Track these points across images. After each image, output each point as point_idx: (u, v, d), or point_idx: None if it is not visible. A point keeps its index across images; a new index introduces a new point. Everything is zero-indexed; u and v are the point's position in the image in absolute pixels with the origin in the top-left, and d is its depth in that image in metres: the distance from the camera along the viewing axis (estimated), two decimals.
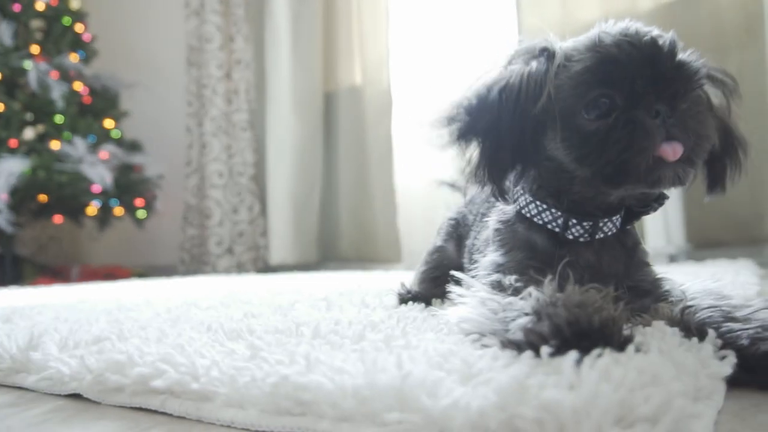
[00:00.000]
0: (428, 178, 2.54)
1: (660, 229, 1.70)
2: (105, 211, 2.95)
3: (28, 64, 2.62)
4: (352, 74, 2.82)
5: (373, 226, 2.64)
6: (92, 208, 2.81)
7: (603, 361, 0.39)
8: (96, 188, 2.69)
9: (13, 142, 2.53)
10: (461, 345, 0.52)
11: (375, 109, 2.65)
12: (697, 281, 0.63)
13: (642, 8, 2.08)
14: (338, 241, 2.83)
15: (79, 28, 2.98)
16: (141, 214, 3.00)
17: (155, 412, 0.52)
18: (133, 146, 3.06)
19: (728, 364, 0.45)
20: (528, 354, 0.42)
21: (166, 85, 3.51)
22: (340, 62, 2.88)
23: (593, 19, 2.12)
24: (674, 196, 1.96)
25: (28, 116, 2.64)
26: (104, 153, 2.77)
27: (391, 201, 2.57)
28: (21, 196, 2.55)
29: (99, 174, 2.60)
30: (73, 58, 2.88)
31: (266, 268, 2.86)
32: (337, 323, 0.69)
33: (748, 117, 1.89)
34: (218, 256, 2.98)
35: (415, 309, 0.81)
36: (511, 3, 2.38)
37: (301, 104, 2.81)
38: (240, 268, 2.98)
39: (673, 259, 1.90)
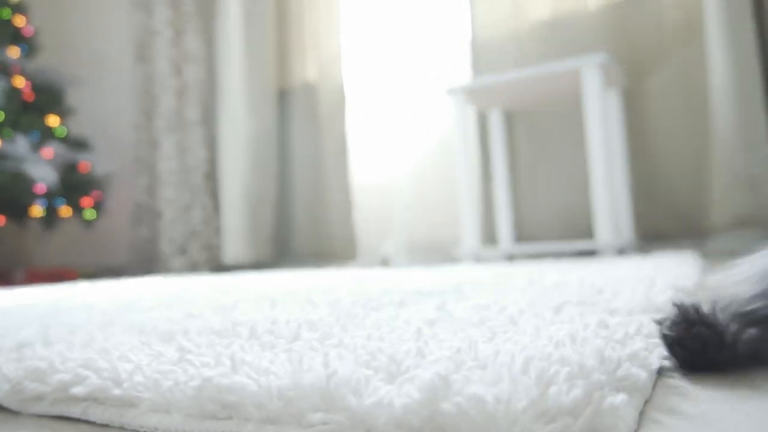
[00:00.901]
0: (383, 174, 2.54)
1: (609, 223, 1.74)
2: (50, 212, 2.85)
3: None
4: (305, 70, 2.80)
5: (329, 224, 2.62)
6: (37, 209, 2.71)
7: (525, 353, 0.39)
8: (40, 188, 2.59)
9: None
10: (393, 342, 0.51)
11: (329, 106, 2.63)
12: None
13: (590, 8, 2.12)
14: (293, 238, 2.80)
15: (19, 21, 2.86)
16: (89, 214, 2.90)
17: (78, 420, 0.50)
18: (80, 144, 2.96)
19: (656, 356, 0.45)
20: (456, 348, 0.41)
21: (114, 80, 3.41)
22: (293, 58, 2.85)
23: (544, 17, 2.16)
24: (623, 190, 2.01)
25: None
26: (48, 151, 2.67)
27: (347, 198, 2.55)
28: None
29: (43, 173, 2.50)
30: (13, 52, 2.76)
31: (220, 267, 2.81)
32: (274, 322, 0.67)
33: (689, 114, 1.95)
34: (171, 255, 2.92)
35: (358, 305, 0.81)
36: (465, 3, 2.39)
37: (255, 100, 2.77)
38: (194, 268, 2.92)
39: (621, 251, 1.94)
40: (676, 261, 1.30)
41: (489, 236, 2.29)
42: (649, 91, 2.04)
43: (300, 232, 2.77)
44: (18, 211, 2.80)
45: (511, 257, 2.16)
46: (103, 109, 3.45)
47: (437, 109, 2.48)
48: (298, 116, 2.81)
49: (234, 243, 2.65)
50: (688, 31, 1.95)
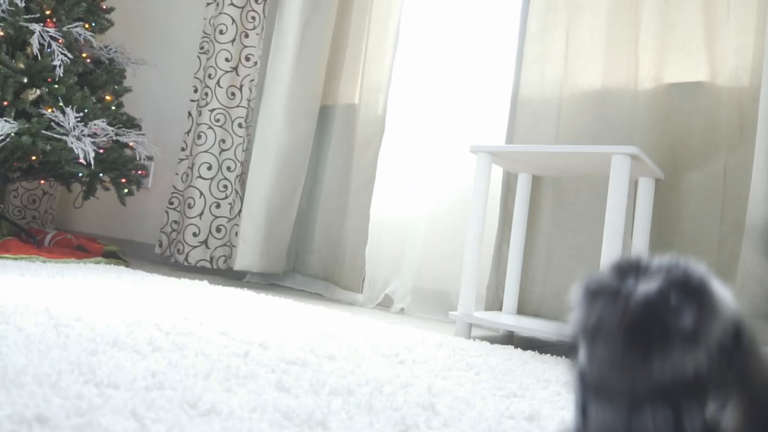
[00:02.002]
0: (401, 213, 2.49)
1: None
2: (90, 183, 2.97)
3: (33, 27, 2.63)
4: (352, 92, 2.79)
5: (343, 250, 2.60)
6: (77, 179, 2.83)
7: None
8: (82, 160, 2.70)
9: (5, 104, 2.55)
10: None
11: (366, 133, 2.61)
12: None
13: (641, 87, 1.99)
14: (308, 257, 2.80)
15: None
16: (126, 191, 3.00)
17: None
18: (131, 124, 3.06)
19: None
20: None
21: (175, 69, 3.52)
22: (343, 77, 2.84)
23: (593, 87, 2.06)
24: None
25: (26, 80, 2.65)
26: (95, 127, 2.77)
27: (364, 228, 2.52)
28: (5, 156, 2.58)
29: (83, 148, 2.60)
30: (85, 26, 2.88)
31: (229, 271, 2.84)
32: None
33: (724, 218, 1.80)
34: (193, 247, 2.98)
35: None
36: (512, 54, 2.31)
37: (295, 112, 2.77)
38: (211, 262, 2.97)
39: None
40: None
41: (496, 302, 2.21)
42: (686, 186, 1.90)
43: (315, 252, 2.76)
44: (60, 178, 2.94)
45: (508, 330, 2.07)
46: (161, 94, 3.57)
47: (465, 161, 2.41)
48: (335, 136, 2.81)
49: (246, 250, 2.67)
50: (738, 135, 1.80)
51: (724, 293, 0.47)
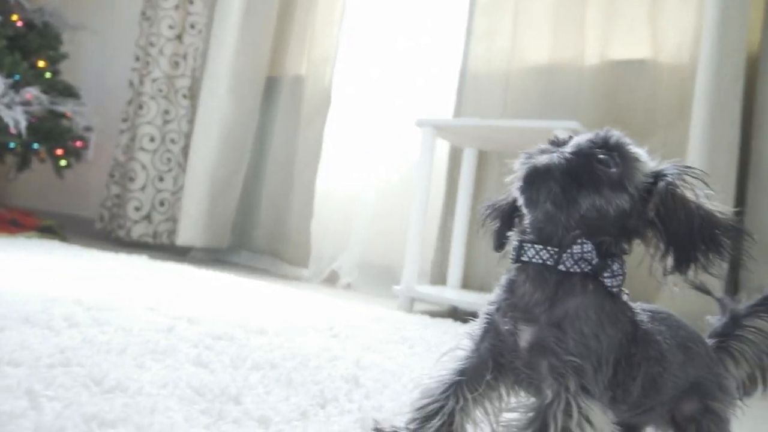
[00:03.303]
0: (348, 187, 2.46)
1: None
2: (24, 154, 2.84)
3: None
4: (299, 63, 2.72)
5: (288, 225, 2.55)
6: (9, 149, 2.69)
7: None
8: (13, 129, 2.56)
9: None
10: None
11: (313, 105, 2.55)
12: None
13: (587, 63, 2.00)
14: (253, 231, 2.75)
15: None
16: (61, 162, 2.87)
17: None
18: (68, 92, 2.92)
19: None
20: None
21: (116, 36, 3.37)
22: (290, 47, 2.77)
23: (540, 62, 2.05)
24: None
25: None
26: (28, 94, 2.63)
27: (309, 203, 2.48)
28: None
29: (13, 117, 2.46)
30: None
31: (174, 246, 2.76)
32: None
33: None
34: (135, 221, 2.88)
35: None
36: (462, 28, 2.29)
37: (240, 83, 2.69)
38: (155, 237, 2.88)
39: None
40: None
41: (441, 277, 2.21)
42: None
43: (261, 226, 2.71)
44: None
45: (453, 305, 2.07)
46: (101, 62, 3.42)
47: (413, 135, 2.38)
48: (282, 108, 2.74)
49: (189, 225, 2.60)
50: (678, 112, 1.82)
51: (639, 150, 0.60)
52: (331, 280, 2.45)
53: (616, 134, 0.59)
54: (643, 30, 1.93)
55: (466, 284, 2.14)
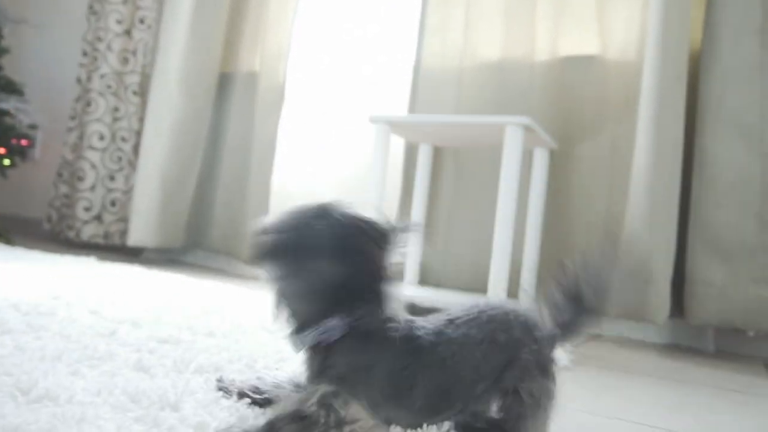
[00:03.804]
0: (303, 184, 2.44)
1: (501, 286, 1.65)
2: None
3: None
4: (252, 58, 2.67)
5: (244, 223, 2.51)
6: None
7: None
8: None
9: None
10: None
11: (267, 101, 2.51)
12: None
13: (537, 59, 2.02)
14: (208, 230, 2.69)
15: None
16: (5, 162, 2.76)
17: None
18: (11, 88, 2.81)
19: None
20: None
21: (62, 30, 3.26)
22: (243, 43, 2.72)
23: (492, 58, 2.06)
24: (532, 251, 1.92)
25: None
26: None
27: (265, 200, 2.44)
28: None
29: None
30: None
31: (126, 247, 2.69)
32: None
33: (611, 190, 1.87)
34: (85, 222, 2.80)
35: None
36: (414, 28, 2.29)
37: (192, 79, 2.63)
38: (106, 238, 2.80)
39: None
40: None
41: (398, 274, 2.20)
42: (578, 156, 1.96)
43: (215, 225, 2.66)
44: None
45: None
46: (47, 57, 3.31)
47: (369, 131, 2.37)
48: (235, 105, 2.69)
49: (140, 224, 2.53)
50: (625, 109, 1.86)
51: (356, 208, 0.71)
52: None
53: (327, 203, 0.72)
54: (592, 26, 1.96)
55: (423, 280, 2.15)
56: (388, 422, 0.69)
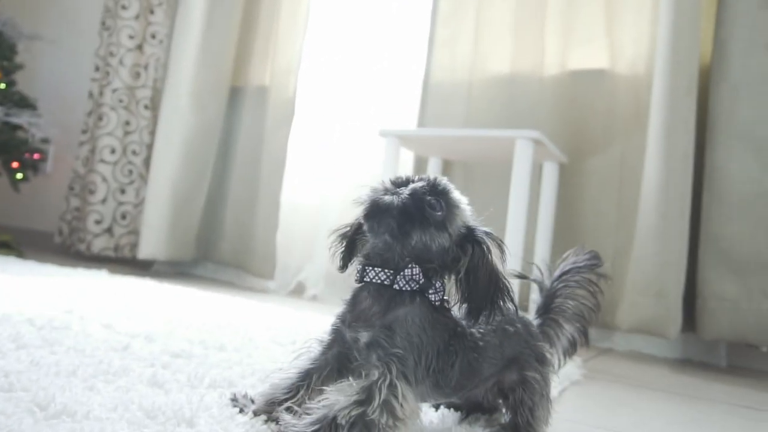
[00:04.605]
0: (313, 198, 2.44)
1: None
2: None
3: None
4: (263, 73, 2.70)
5: (253, 237, 2.52)
6: None
7: None
8: None
9: None
10: None
11: (277, 115, 2.53)
12: None
13: (547, 73, 2.03)
14: (218, 243, 2.71)
15: None
16: (18, 175, 2.79)
17: None
18: (24, 103, 2.84)
19: None
20: None
21: (75, 46, 3.31)
22: (253, 57, 2.74)
23: (502, 72, 2.07)
24: (542, 265, 1.92)
25: None
26: None
27: (274, 214, 2.46)
28: None
29: None
30: None
31: (136, 260, 2.70)
32: None
33: (621, 203, 1.86)
34: (96, 235, 2.82)
35: None
36: (424, 37, 2.30)
37: (203, 93, 2.65)
38: (117, 251, 2.82)
39: None
40: None
41: None
42: (588, 171, 1.96)
43: (225, 239, 2.67)
44: None
45: None
46: (59, 72, 3.35)
47: (378, 144, 2.38)
48: (245, 119, 2.72)
49: (151, 237, 2.55)
50: (634, 122, 1.86)
51: (462, 198, 0.74)
52: (298, 291, 2.43)
53: (443, 182, 0.73)
54: (601, 41, 1.97)
55: None
56: (422, 400, 0.74)
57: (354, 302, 0.74)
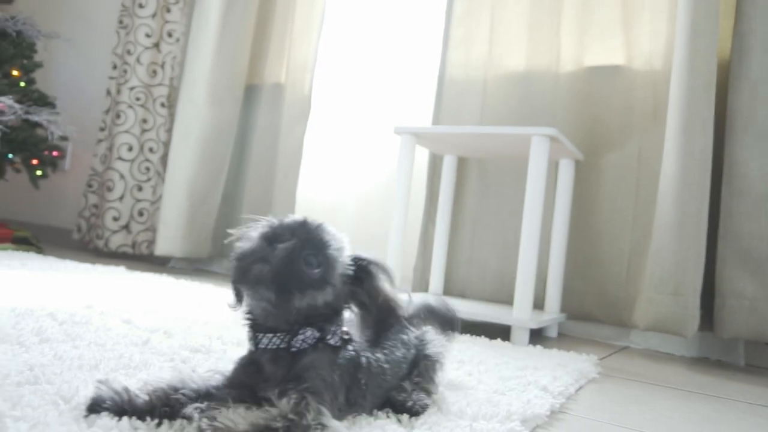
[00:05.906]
0: (329, 195, 2.45)
1: (527, 301, 1.65)
2: (0, 163, 2.79)
3: None
4: (279, 70, 2.71)
5: None
6: None
7: None
8: None
9: None
10: None
11: (293, 113, 2.54)
12: None
13: (563, 69, 2.02)
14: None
15: None
16: (37, 172, 2.83)
17: None
18: (43, 101, 2.88)
19: None
20: None
21: (92, 44, 3.34)
22: (269, 55, 2.76)
23: (517, 69, 2.06)
24: (558, 262, 1.91)
25: None
26: (2, 105, 2.59)
27: (290, 211, 2.46)
28: None
29: None
30: None
31: (153, 257, 2.73)
32: None
33: (638, 200, 1.85)
34: (113, 232, 2.85)
35: None
36: (439, 36, 2.30)
37: (219, 91, 2.67)
38: (134, 247, 2.85)
39: (540, 330, 1.85)
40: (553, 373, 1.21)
41: (423, 284, 2.21)
42: (604, 167, 1.95)
43: None
44: None
45: None
46: (77, 70, 3.39)
47: (393, 142, 2.39)
48: (261, 116, 2.73)
49: (168, 234, 2.58)
50: (651, 119, 1.85)
51: (338, 236, 0.73)
52: None
53: (315, 226, 0.72)
54: (617, 37, 1.95)
55: (448, 290, 2.15)
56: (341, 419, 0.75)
57: (256, 367, 0.72)
